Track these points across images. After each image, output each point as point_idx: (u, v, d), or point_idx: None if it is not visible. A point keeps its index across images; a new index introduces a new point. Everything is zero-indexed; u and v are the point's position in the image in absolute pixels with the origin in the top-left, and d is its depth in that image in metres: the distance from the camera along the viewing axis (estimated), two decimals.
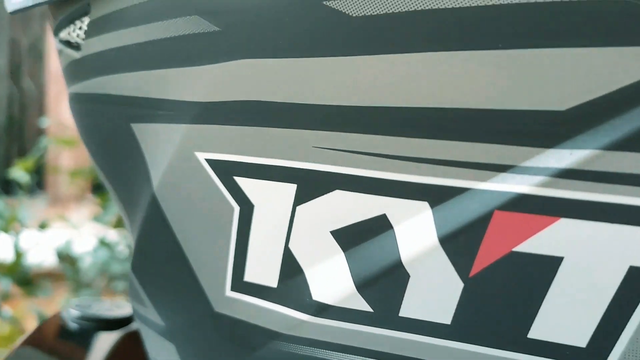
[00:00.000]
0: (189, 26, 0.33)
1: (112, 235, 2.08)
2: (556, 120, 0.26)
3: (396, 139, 0.28)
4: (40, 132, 2.56)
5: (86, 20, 0.41)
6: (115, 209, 2.08)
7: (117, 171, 0.42)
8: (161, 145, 0.36)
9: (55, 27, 0.45)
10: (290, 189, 0.32)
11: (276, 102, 0.31)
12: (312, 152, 0.31)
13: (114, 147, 0.41)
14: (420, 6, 0.27)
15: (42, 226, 2.19)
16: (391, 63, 0.28)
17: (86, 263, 2.07)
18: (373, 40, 0.28)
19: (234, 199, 0.34)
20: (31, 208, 2.19)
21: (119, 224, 2.08)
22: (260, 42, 0.31)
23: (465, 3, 0.26)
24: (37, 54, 2.74)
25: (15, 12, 0.45)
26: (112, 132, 0.40)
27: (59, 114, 2.59)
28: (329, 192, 0.31)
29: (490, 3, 0.26)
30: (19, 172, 2.03)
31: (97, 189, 2.18)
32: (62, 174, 2.14)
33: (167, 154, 0.36)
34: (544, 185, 0.26)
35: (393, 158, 0.29)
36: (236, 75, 0.32)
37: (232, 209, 0.34)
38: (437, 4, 0.27)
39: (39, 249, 2.08)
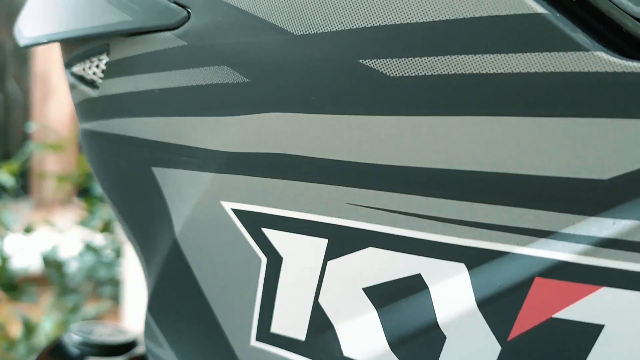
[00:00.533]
0: (218, 76, 0.33)
1: (98, 239, 2.06)
2: (598, 188, 0.26)
3: (433, 200, 0.28)
4: (26, 135, 2.53)
5: (104, 59, 0.40)
6: (102, 214, 2.06)
7: (134, 210, 0.42)
8: (184, 191, 0.36)
9: (67, 61, 0.45)
10: (321, 243, 0.31)
11: (308, 156, 0.31)
12: (345, 209, 0.30)
13: (132, 187, 0.40)
14: (461, 70, 0.27)
15: (27, 230, 2.16)
16: (430, 125, 0.28)
17: (72, 268, 2.06)
18: (411, 101, 0.28)
19: (262, 251, 0.33)
20: (16, 212, 2.16)
21: (105, 229, 2.07)
22: (291, 96, 0.31)
23: (508, 69, 0.26)
24: (22, 57, 2.71)
25: (27, 47, 0.44)
26: (130, 173, 0.40)
27: (44, 117, 2.56)
28: (361, 248, 0.30)
29: (533, 71, 0.26)
30: (4, 176, 2.00)
31: (83, 193, 2.17)
32: (49, 178, 2.12)
33: (191, 200, 0.36)
34: (585, 253, 0.26)
35: (429, 219, 0.29)
36: (266, 127, 0.32)
37: (260, 260, 0.33)
38: (478, 69, 0.26)
39: (24, 254, 2.06)
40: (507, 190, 0.27)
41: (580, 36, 0.25)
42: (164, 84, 0.35)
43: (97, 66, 0.41)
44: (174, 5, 0.34)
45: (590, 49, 0.25)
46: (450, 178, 0.28)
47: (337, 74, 0.29)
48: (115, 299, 1.93)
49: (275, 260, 0.33)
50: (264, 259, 0.33)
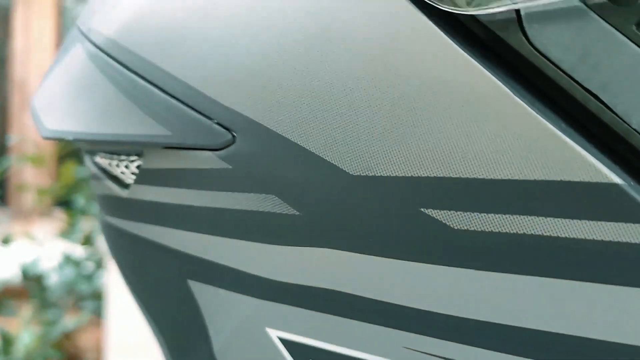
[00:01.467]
0: (265, 204, 0.32)
1: (78, 251, 2.03)
2: None
3: (496, 355, 0.28)
4: (4, 145, 2.49)
5: (135, 161, 0.39)
6: (83, 227, 2.03)
7: (164, 313, 0.41)
8: (225, 310, 0.35)
9: (90, 149, 0.44)
10: None
11: (364, 297, 0.30)
12: (402, 352, 0.30)
13: (163, 293, 0.40)
14: (531, 231, 0.26)
15: (5, 241, 2.13)
16: (492, 280, 0.27)
17: (52, 280, 2.03)
18: (474, 254, 0.28)
19: None
20: None
21: (86, 242, 2.04)
22: (346, 235, 0.30)
23: (580, 235, 0.26)
24: None
25: (49, 139, 0.43)
26: (163, 279, 0.39)
27: (23, 125, 2.51)
28: None
29: (608, 239, 0.25)
30: None
31: (63, 203, 2.14)
32: (29, 191, 2.09)
33: (232, 321, 0.35)
34: None
35: None
36: (317, 262, 0.31)
37: None
38: (549, 232, 0.26)
39: (2, 265, 2.03)
40: (575, 352, 0.27)
41: None
42: (204, 203, 0.34)
43: (127, 166, 0.40)
44: (217, 126, 0.33)
45: None
46: (513, 335, 0.27)
47: (396, 219, 0.29)
48: (97, 312, 1.91)
49: None
50: None
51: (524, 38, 0.27)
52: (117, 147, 0.39)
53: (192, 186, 0.35)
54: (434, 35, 0.28)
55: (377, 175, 0.29)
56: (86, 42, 0.40)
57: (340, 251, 0.30)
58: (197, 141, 0.34)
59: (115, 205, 0.41)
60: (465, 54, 0.27)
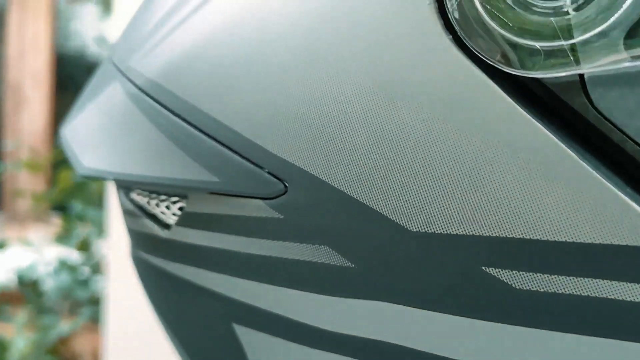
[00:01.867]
0: (318, 255, 0.32)
1: (74, 256, 2.02)
2: None
3: None
4: None
5: (178, 202, 0.39)
6: (80, 233, 2.02)
7: (202, 353, 0.41)
8: (272, 356, 0.35)
9: (126, 185, 0.44)
10: None
11: (419, 350, 0.30)
12: None
13: (205, 334, 0.40)
14: (597, 294, 0.27)
15: (0, 246, 2.12)
16: (557, 340, 0.28)
17: (47, 285, 2.02)
18: (537, 314, 0.28)
19: None
20: None
21: (83, 247, 2.03)
22: (403, 289, 0.30)
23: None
24: None
25: (86, 177, 0.43)
26: (204, 321, 0.39)
27: (16, 128, 2.49)
28: None
29: None
30: None
31: (59, 208, 2.13)
32: (24, 196, 2.07)
33: None
34: None
35: None
36: (373, 314, 0.31)
37: None
38: (614, 295, 0.26)
39: None
40: None
41: None
42: (253, 250, 0.34)
43: (168, 207, 0.40)
44: (268, 175, 0.33)
45: None
46: None
47: (456, 276, 0.29)
48: (95, 317, 1.90)
49: None
50: None
51: (587, 102, 0.27)
52: (159, 188, 0.39)
53: (241, 233, 0.35)
54: (497, 96, 0.28)
55: (437, 232, 0.29)
56: (126, 82, 0.40)
57: (395, 305, 0.31)
58: (247, 189, 0.34)
59: (153, 244, 0.41)
60: (528, 115, 0.27)
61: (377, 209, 0.30)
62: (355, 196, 0.31)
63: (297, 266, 0.33)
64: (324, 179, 0.31)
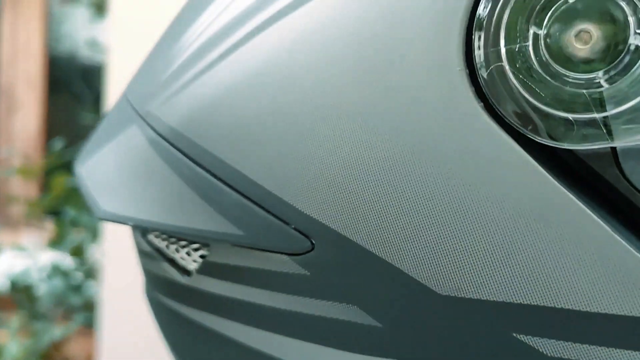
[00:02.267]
0: (345, 313, 0.32)
1: (67, 261, 2.01)
2: None
3: None
4: None
5: (199, 250, 0.39)
6: (74, 239, 2.01)
7: None
8: None
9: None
10: None
11: None
12: None
13: None
14: None
15: None
16: None
17: (41, 291, 2.01)
18: None
19: None
20: None
21: (76, 252, 2.02)
22: (431, 351, 0.31)
23: None
24: None
25: (105, 221, 0.43)
26: None
27: (9, 132, 2.47)
28: None
29: None
30: None
31: (52, 214, 2.11)
32: (18, 203, 2.06)
33: None
34: None
35: None
36: None
37: None
38: None
39: None
40: None
41: None
42: (278, 304, 0.35)
43: (189, 253, 0.40)
44: (294, 232, 0.33)
45: None
46: None
47: (485, 341, 0.29)
48: (88, 322, 1.90)
49: None
50: None
51: (619, 173, 0.28)
52: (181, 236, 0.39)
53: (265, 287, 0.35)
54: (529, 165, 0.28)
55: (467, 297, 0.29)
56: (145, 127, 0.40)
57: None
58: (273, 244, 0.34)
59: (172, 289, 0.41)
60: (560, 186, 0.27)
61: (407, 272, 0.30)
62: (384, 258, 0.31)
63: (323, 323, 0.33)
64: (351, 238, 0.31)
